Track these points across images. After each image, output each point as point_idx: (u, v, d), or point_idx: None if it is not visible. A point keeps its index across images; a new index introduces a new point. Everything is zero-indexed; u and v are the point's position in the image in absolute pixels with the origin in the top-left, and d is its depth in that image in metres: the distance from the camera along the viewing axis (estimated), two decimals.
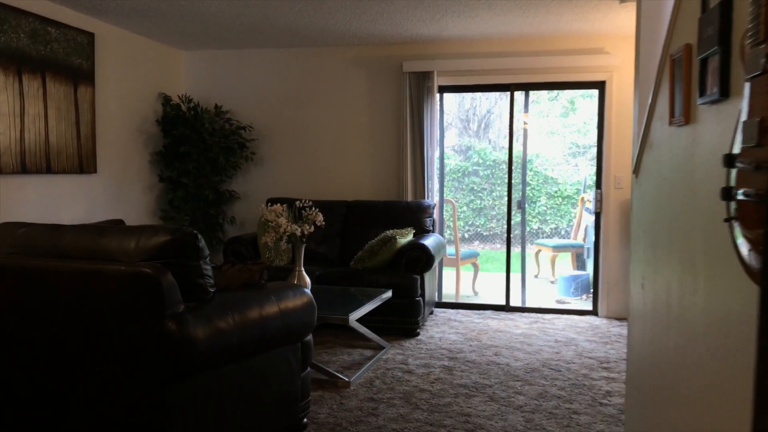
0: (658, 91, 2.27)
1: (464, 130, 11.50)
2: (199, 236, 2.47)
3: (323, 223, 4.07)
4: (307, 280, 4.09)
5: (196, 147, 5.67)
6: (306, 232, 3.99)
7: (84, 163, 4.85)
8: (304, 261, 5.11)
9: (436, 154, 5.87)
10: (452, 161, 10.72)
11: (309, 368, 3.11)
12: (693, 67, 1.81)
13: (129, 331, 2.31)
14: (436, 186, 5.92)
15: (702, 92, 1.68)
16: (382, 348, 4.48)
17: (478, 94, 11.30)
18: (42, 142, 4.42)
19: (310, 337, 3.09)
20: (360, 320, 4.45)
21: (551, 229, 10.25)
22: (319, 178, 6.11)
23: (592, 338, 4.92)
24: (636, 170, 2.65)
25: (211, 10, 4.74)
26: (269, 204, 5.51)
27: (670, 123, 2.05)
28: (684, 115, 1.87)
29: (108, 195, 5.20)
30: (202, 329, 2.35)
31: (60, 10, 4.58)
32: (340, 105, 6.03)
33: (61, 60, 4.57)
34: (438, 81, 5.73)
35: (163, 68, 5.96)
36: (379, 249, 5.04)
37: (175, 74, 6.15)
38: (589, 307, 5.92)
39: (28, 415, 2.57)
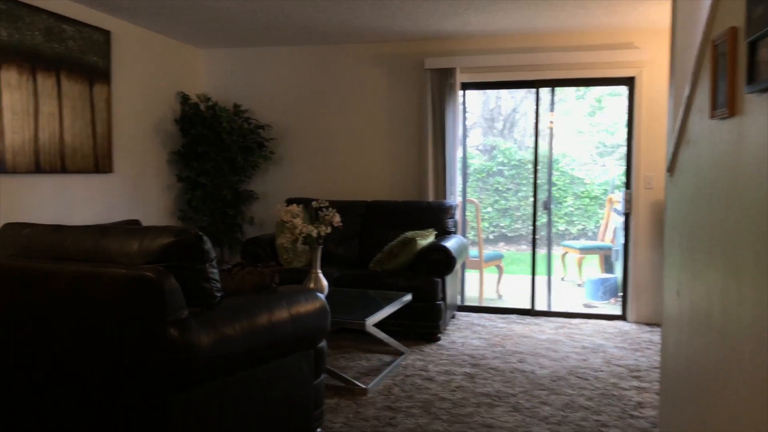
0: (697, 81, 2.09)
1: (489, 129, 11.31)
2: (205, 238, 2.34)
3: (340, 224, 3.93)
4: (324, 282, 3.96)
5: (214, 146, 5.58)
6: (323, 234, 3.86)
7: (100, 162, 4.78)
8: (322, 262, 4.99)
9: (459, 153, 5.71)
10: (477, 161, 10.53)
11: (323, 375, 2.97)
12: (739, 53, 1.63)
13: (129, 337, 2.19)
14: (459, 186, 5.75)
15: (751, 80, 1.51)
16: (401, 353, 4.33)
17: (503, 93, 11.10)
18: (56, 142, 4.35)
19: (323, 344, 2.95)
20: (379, 324, 4.30)
21: (578, 230, 10.01)
22: (338, 178, 5.98)
23: (621, 344, 4.71)
24: (671, 168, 2.47)
25: (227, 7, 4.64)
26: (288, 204, 5.39)
27: (712, 116, 1.87)
28: (728, 107, 1.69)
29: (125, 195, 5.12)
30: (206, 336, 2.22)
31: (75, 7, 4.51)
32: (360, 103, 5.90)
33: (77, 58, 4.51)
34: (460, 78, 5.57)
35: (182, 67, 5.88)
36: (398, 251, 4.89)
37: (193, 73, 6.07)
38: (617, 311, 5.70)
39: (25, 421, 2.47)
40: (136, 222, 4.85)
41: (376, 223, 5.46)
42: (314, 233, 3.79)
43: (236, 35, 5.60)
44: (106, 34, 4.80)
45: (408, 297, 4.38)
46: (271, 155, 5.97)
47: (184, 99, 5.70)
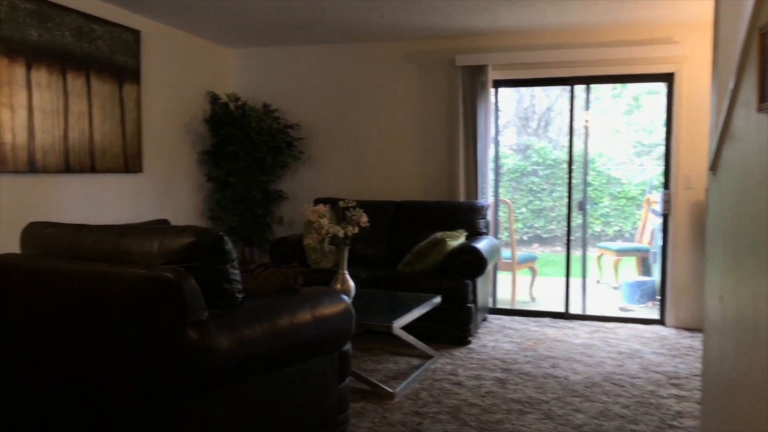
0: (742, 73, 1.95)
1: (523, 128, 11.13)
2: (226, 238, 2.29)
3: (367, 224, 3.85)
4: (351, 283, 3.88)
5: (243, 146, 5.56)
6: (349, 234, 3.79)
7: (129, 162, 4.79)
8: (350, 263, 4.93)
9: (491, 151, 5.59)
10: (510, 161, 10.37)
11: (348, 379, 2.90)
12: None
13: (147, 339, 2.15)
14: (491, 186, 5.63)
15: None
16: (430, 357, 4.23)
17: (537, 92, 10.92)
18: (86, 141, 4.36)
19: (348, 347, 2.88)
20: (407, 327, 4.22)
21: (614, 231, 9.77)
22: (368, 178, 5.91)
23: (659, 350, 4.54)
24: (713, 166, 2.33)
25: (257, 6, 4.60)
26: (316, 204, 5.34)
27: (759, 109, 1.74)
28: None
29: (154, 195, 5.13)
30: (225, 338, 2.17)
31: (105, 7, 4.52)
32: (389, 101, 5.82)
33: (106, 58, 4.52)
34: (492, 75, 5.45)
35: (212, 66, 5.88)
36: (428, 252, 4.80)
37: (223, 72, 6.07)
38: (655, 315, 5.51)
39: (42, 421, 2.45)
40: (165, 222, 4.85)
41: (406, 223, 5.37)
42: (341, 234, 3.72)
43: (266, 34, 5.58)
44: (136, 33, 4.81)
45: (437, 299, 4.28)
46: (300, 155, 5.93)
47: (214, 99, 5.69)
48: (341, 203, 3.94)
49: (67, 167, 4.21)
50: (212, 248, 2.25)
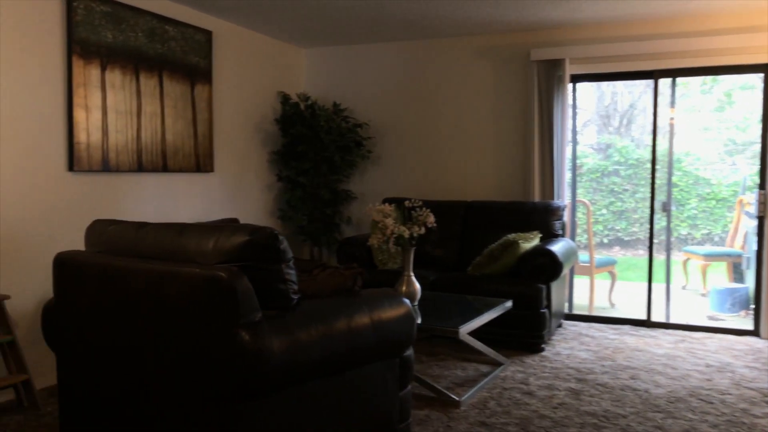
0: None
1: (604, 126, 10.69)
2: (281, 237, 2.21)
3: (434, 224, 3.72)
4: (417, 286, 3.76)
5: (313, 146, 5.53)
6: (415, 234, 3.66)
7: (201, 161, 4.84)
8: (419, 265, 4.82)
9: (568, 149, 5.33)
10: (590, 160, 9.97)
11: (409, 386, 2.78)
12: None
13: (201, 339, 2.10)
14: (568, 186, 5.38)
15: None
16: (500, 364, 4.05)
17: (619, 88, 10.45)
18: (158, 141, 4.43)
19: (410, 352, 2.76)
20: (476, 332, 4.06)
21: (703, 235, 9.21)
22: (438, 177, 5.76)
23: (752, 364, 4.18)
24: None
25: (328, 5, 4.55)
26: (385, 204, 5.25)
27: None
28: None
29: (225, 194, 5.17)
30: (279, 341, 2.09)
31: (178, 8, 4.58)
32: (461, 99, 5.65)
33: (179, 58, 4.58)
34: (570, 69, 5.19)
35: (283, 66, 5.89)
36: (499, 254, 4.61)
37: (295, 72, 6.07)
38: (748, 326, 5.10)
39: (103, 418, 2.45)
40: (234, 221, 4.88)
41: (477, 224, 5.19)
42: (406, 234, 3.60)
43: (336, 33, 5.53)
44: (208, 34, 4.85)
45: (508, 304, 4.09)
46: (369, 154, 5.85)
47: (285, 99, 5.70)
48: (406, 203, 3.82)
49: (140, 166, 4.29)
50: (266, 247, 2.18)
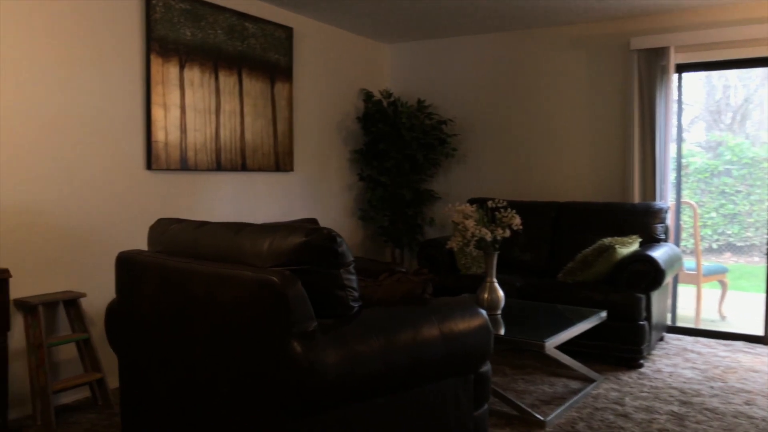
0: None
1: (714, 123, 9.89)
2: (339, 239, 2.02)
3: (520, 226, 3.43)
4: (500, 293, 3.48)
5: (394, 144, 5.34)
6: (499, 237, 3.38)
7: (280, 160, 4.76)
8: (505, 270, 4.52)
9: (673, 147, 4.86)
10: (698, 159, 9.26)
11: (486, 405, 2.52)
12: None
13: (252, 348, 1.94)
14: (672, 187, 4.90)
15: None
16: (592, 381, 3.69)
17: (732, 81, 9.63)
18: (237, 139, 4.38)
19: (487, 368, 2.49)
20: (567, 344, 3.72)
21: None
22: (527, 177, 5.42)
23: None
24: None
25: None
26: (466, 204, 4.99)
27: None
28: None
29: (304, 193, 5.07)
30: (334, 352, 1.89)
31: (257, 5, 4.52)
32: (553, 93, 5.29)
33: (258, 56, 4.51)
34: (675, 58, 4.72)
35: (365, 62, 5.74)
36: (593, 260, 4.24)
37: (379, 69, 5.91)
38: None
39: (157, 421, 2.35)
40: (313, 221, 4.77)
41: (569, 227, 4.82)
42: (488, 237, 3.33)
43: (422, 27, 5.32)
44: (288, 31, 4.76)
45: (603, 314, 3.73)
46: (454, 152, 5.59)
47: (368, 96, 5.54)
48: (489, 203, 3.55)
49: (218, 165, 4.24)
50: (323, 249, 1.99)
